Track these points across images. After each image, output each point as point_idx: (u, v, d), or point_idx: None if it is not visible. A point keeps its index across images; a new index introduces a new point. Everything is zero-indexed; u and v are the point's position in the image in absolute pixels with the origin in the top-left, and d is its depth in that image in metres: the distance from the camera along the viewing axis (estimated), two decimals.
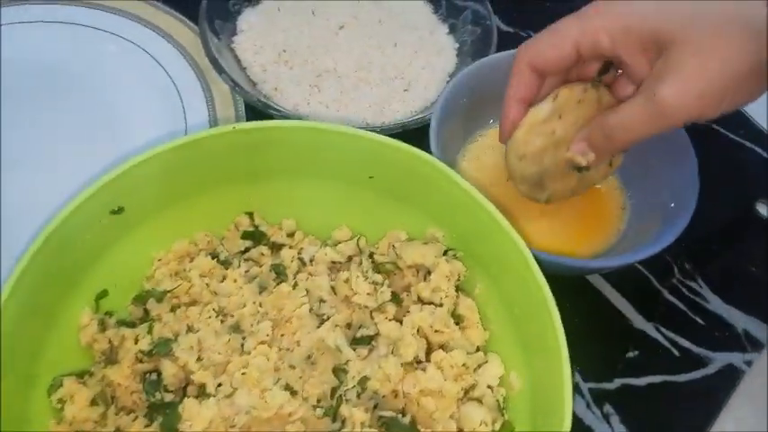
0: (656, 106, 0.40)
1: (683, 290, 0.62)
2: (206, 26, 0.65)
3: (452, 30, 0.73)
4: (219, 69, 0.62)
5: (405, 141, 0.67)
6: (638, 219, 0.59)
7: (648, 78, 0.42)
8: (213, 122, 0.64)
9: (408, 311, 0.48)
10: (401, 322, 0.47)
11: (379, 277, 0.50)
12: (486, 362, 0.47)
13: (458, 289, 0.50)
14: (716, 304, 0.62)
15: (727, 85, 0.39)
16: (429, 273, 0.49)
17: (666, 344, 0.59)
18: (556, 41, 0.45)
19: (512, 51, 0.60)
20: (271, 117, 0.61)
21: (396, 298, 0.49)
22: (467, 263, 0.50)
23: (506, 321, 0.47)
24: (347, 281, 0.50)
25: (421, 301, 0.49)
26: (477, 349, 0.48)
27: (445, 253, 0.50)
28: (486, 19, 0.69)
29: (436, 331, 0.47)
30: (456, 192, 0.47)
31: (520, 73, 0.47)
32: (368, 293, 0.49)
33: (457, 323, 0.48)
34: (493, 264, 0.47)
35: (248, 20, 0.70)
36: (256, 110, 0.62)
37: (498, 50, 0.67)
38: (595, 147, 0.47)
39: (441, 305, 0.48)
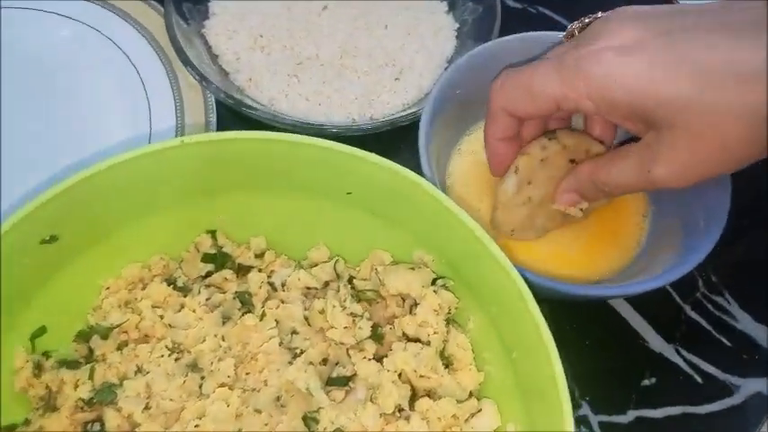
0: (649, 181, 0.39)
1: (708, 306, 0.55)
2: (172, 9, 0.58)
3: (452, 7, 0.65)
4: (185, 60, 0.55)
5: (395, 137, 0.61)
6: (660, 228, 0.51)
7: (641, 149, 0.39)
8: (180, 117, 0.57)
9: (391, 349, 0.41)
10: (383, 360, 0.41)
11: (358, 308, 0.43)
12: (480, 410, 0.41)
13: (449, 322, 0.43)
14: (745, 322, 0.55)
15: (724, 167, 0.38)
16: (416, 303, 0.43)
17: (687, 369, 0.53)
18: (533, 97, 0.41)
19: (519, 36, 0.53)
20: (242, 115, 0.54)
21: (376, 334, 0.43)
22: (459, 292, 0.43)
23: (504, 361, 0.41)
24: (322, 311, 0.43)
25: (406, 337, 0.43)
26: (470, 395, 0.42)
27: (434, 282, 0.43)
28: None
29: (421, 376, 0.40)
30: (441, 212, 0.40)
31: (495, 116, 0.44)
32: (345, 327, 0.43)
33: (447, 365, 0.42)
34: (486, 295, 0.41)
35: (221, 2, 0.62)
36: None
37: (504, 30, 0.60)
38: (587, 196, 0.45)
39: (428, 343, 0.42)
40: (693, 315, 0.55)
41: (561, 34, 0.51)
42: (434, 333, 0.42)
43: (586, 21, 0.44)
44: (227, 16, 0.61)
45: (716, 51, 0.35)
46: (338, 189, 0.44)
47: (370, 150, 0.63)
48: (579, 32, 0.44)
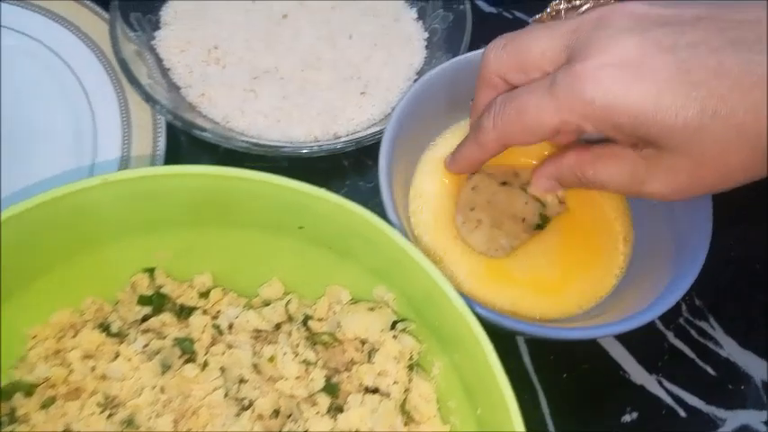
0: (639, 192, 0.37)
1: (692, 331, 0.52)
2: (118, 19, 0.54)
3: (421, 15, 0.61)
4: (130, 78, 0.51)
5: (363, 152, 0.58)
6: (645, 254, 0.48)
7: (636, 159, 0.37)
8: (127, 138, 0.53)
9: (347, 402, 0.38)
10: (338, 415, 0.38)
11: (312, 355, 0.40)
12: None
13: (412, 368, 0.40)
14: (730, 349, 0.52)
15: (721, 188, 0.36)
16: (375, 348, 0.39)
17: (670, 402, 0.49)
18: (530, 130, 0.37)
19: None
20: (192, 145, 0.50)
21: (330, 387, 0.39)
22: (422, 334, 0.39)
23: (469, 413, 0.37)
24: (273, 359, 0.40)
25: (364, 388, 0.39)
26: None
27: (394, 325, 0.39)
28: (460, 2, 0.57)
29: None
30: (395, 251, 0.36)
31: (484, 146, 0.41)
32: (297, 377, 0.39)
33: (408, 420, 0.38)
34: (449, 340, 0.37)
35: (174, 10, 0.58)
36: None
37: (477, 37, 0.56)
38: (566, 185, 0.42)
39: (388, 395, 0.38)
40: (676, 342, 0.52)
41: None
42: (395, 383, 0.38)
43: (578, 2, 0.40)
44: (180, 25, 0.57)
45: (726, 76, 0.32)
46: (288, 223, 0.40)
47: (336, 167, 0.61)
48: (566, 13, 0.40)
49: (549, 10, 0.42)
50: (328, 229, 0.39)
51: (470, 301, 0.38)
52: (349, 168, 0.59)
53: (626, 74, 0.33)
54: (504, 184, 0.48)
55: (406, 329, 0.39)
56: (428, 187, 0.49)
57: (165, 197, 0.38)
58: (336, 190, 0.59)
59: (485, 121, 0.40)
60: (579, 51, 0.36)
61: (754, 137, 0.32)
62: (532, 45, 0.38)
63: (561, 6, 0.42)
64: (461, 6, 0.57)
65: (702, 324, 0.52)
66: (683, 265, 0.43)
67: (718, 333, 0.52)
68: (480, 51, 0.49)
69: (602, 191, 0.41)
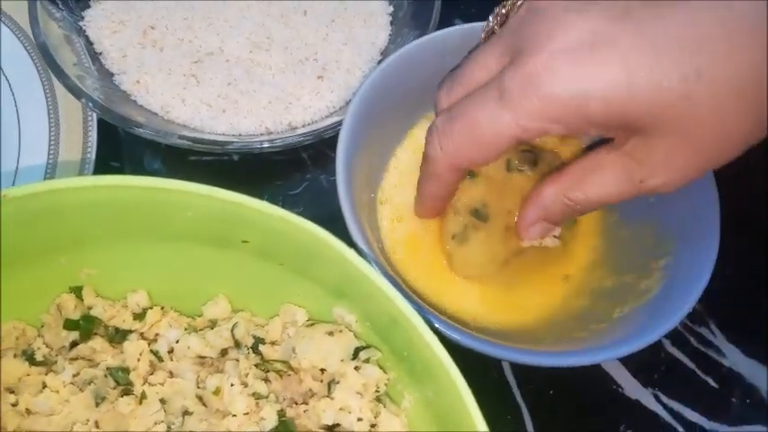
0: (641, 190, 0.33)
1: (691, 339, 0.47)
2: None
3: None
4: (54, 67, 0.44)
5: (323, 143, 0.52)
6: (625, 259, 0.42)
7: (623, 158, 0.32)
8: (54, 134, 0.47)
9: None
10: None
11: (263, 387, 0.34)
12: None
13: (380, 399, 0.34)
14: (733, 358, 0.47)
15: (725, 158, 0.31)
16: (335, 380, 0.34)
17: (668, 418, 0.45)
18: (487, 146, 0.32)
19: (460, 27, 0.43)
20: (131, 135, 0.44)
21: (284, 425, 0.33)
22: (389, 361, 0.34)
23: None
24: (218, 391, 0.34)
25: (325, 426, 0.33)
26: None
27: (357, 353, 0.34)
28: None
29: None
30: (353, 271, 0.31)
31: (441, 176, 0.36)
32: (246, 413, 0.33)
33: None
34: (418, 370, 0.32)
35: None
36: None
37: (445, 14, 0.50)
38: (559, 220, 0.38)
39: None
40: (674, 351, 0.47)
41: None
42: (359, 420, 0.33)
43: (503, 12, 0.35)
44: (112, 5, 0.50)
45: (698, 25, 0.27)
46: (230, 237, 0.34)
47: (295, 160, 0.55)
48: (500, 28, 0.35)
49: (490, 21, 0.36)
50: (276, 244, 0.33)
51: (444, 325, 0.33)
52: (308, 161, 0.54)
53: (582, 55, 0.29)
54: (515, 170, 0.42)
55: (371, 359, 0.33)
56: (399, 193, 0.44)
57: (86, 210, 0.32)
58: (296, 185, 0.53)
59: (430, 150, 0.35)
60: (522, 47, 0.31)
61: (751, 94, 0.28)
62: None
63: (492, 23, 0.36)
64: None
65: (702, 330, 0.47)
66: (688, 269, 0.38)
67: (720, 340, 0.47)
68: (455, 29, 0.43)
69: (599, 208, 0.36)
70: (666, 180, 0.32)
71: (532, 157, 0.42)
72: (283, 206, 0.51)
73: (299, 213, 0.51)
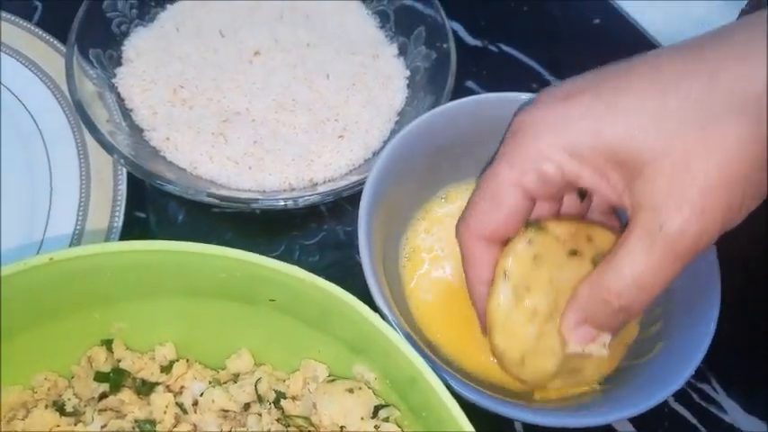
0: (667, 244, 0.30)
1: (693, 395, 0.49)
2: (75, 55, 0.49)
3: (403, 51, 0.57)
4: (87, 122, 0.47)
5: (339, 199, 0.54)
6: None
7: (638, 224, 0.31)
8: (85, 188, 0.49)
9: None
10: None
11: None
12: None
13: None
14: (734, 414, 0.48)
15: (733, 187, 0.29)
16: None
17: None
18: (493, 200, 0.34)
19: (475, 98, 0.46)
20: (156, 187, 0.46)
21: None
22: (406, 420, 0.36)
23: None
24: None
25: None
26: None
27: (377, 411, 0.35)
28: (443, 40, 0.54)
29: None
30: (374, 333, 0.33)
31: (471, 253, 0.37)
32: None
33: None
34: (434, 428, 0.33)
35: (137, 45, 0.54)
36: None
37: (460, 75, 0.53)
38: (605, 324, 0.34)
39: None
40: (677, 407, 0.48)
41: (523, 95, 0.44)
42: None
43: None
44: (143, 62, 0.53)
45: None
46: (259, 296, 0.36)
47: (313, 213, 0.57)
48: None
49: None
50: (302, 304, 0.35)
51: (460, 385, 0.34)
52: (326, 213, 0.56)
53: (570, 105, 0.32)
54: (573, 254, 0.36)
55: (390, 418, 0.35)
56: (422, 247, 0.46)
57: (119, 272, 0.34)
58: (312, 235, 0.55)
59: (457, 231, 0.37)
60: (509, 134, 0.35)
61: (747, 103, 0.29)
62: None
63: None
64: (445, 45, 0.53)
65: (704, 386, 0.49)
66: (692, 323, 0.39)
67: (721, 396, 0.49)
68: (459, 102, 0.45)
69: (647, 301, 0.32)
70: (683, 215, 0.30)
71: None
72: (300, 255, 0.55)
73: (314, 262, 0.54)
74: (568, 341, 0.34)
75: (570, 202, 0.38)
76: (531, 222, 0.36)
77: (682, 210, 0.29)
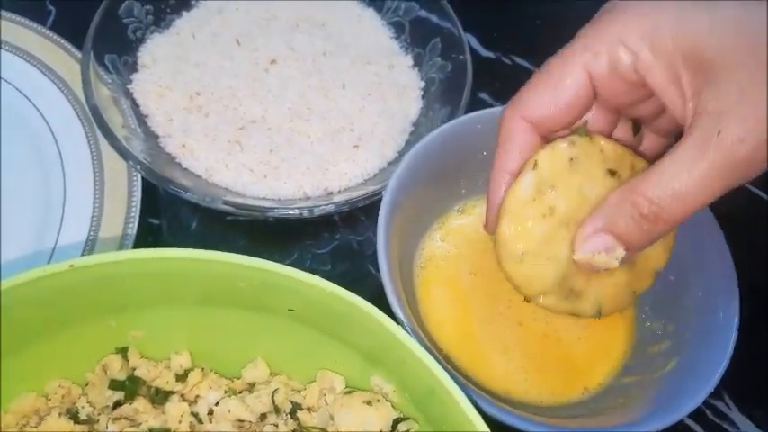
0: (720, 151, 0.27)
1: (707, 412, 0.49)
2: (91, 61, 0.49)
3: (418, 62, 0.57)
4: (103, 127, 0.46)
5: (356, 214, 0.54)
6: (651, 334, 0.44)
7: (697, 120, 0.28)
8: (99, 195, 0.49)
9: None
10: None
11: None
12: None
13: None
14: (746, 430, 0.48)
15: None
16: None
17: None
18: (556, 77, 0.32)
19: (493, 110, 0.46)
20: (170, 193, 0.46)
21: None
22: None
23: None
24: None
25: None
26: None
27: (395, 425, 0.35)
28: (460, 52, 0.54)
29: None
30: (397, 346, 0.32)
31: (508, 135, 0.34)
32: None
33: None
34: None
35: (152, 52, 0.54)
36: None
37: (475, 86, 0.52)
38: (629, 235, 0.31)
39: None
40: (689, 422, 0.48)
41: None
42: None
43: None
44: (159, 70, 0.53)
45: None
46: (277, 305, 0.36)
47: (327, 222, 0.56)
48: None
49: None
50: (320, 313, 0.35)
51: (481, 401, 0.34)
52: (339, 222, 0.56)
53: (660, 4, 0.30)
54: (612, 174, 0.34)
55: (409, 431, 0.35)
56: (438, 257, 0.45)
57: (138, 279, 0.34)
58: (325, 244, 0.55)
59: (502, 114, 0.34)
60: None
61: None
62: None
63: None
64: (461, 57, 0.54)
65: (718, 403, 0.49)
66: (708, 341, 0.39)
67: (734, 413, 0.49)
68: (475, 115, 0.45)
69: (681, 217, 0.29)
70: (746, 125, 0.27)
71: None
72: (311, 264, 0.54)
73: (326, 271, 0.54)
74: (581, 247, 0.32)
75: (622, 134, 0.36)
76: (579, 128, 0.34)
77: (746, 120, 0.27)
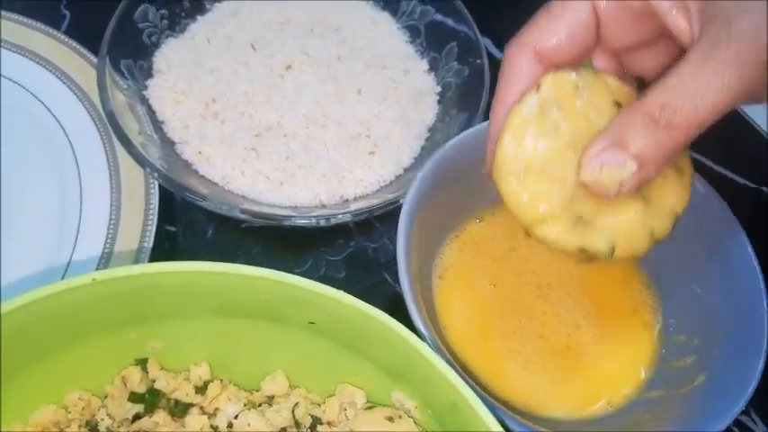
0: (734, 43, 0.26)
1: (734, 429, 0.48)
2: (106, 67, 0.49)
3: (433, 66, 0.57)
4: (119, 134, 0.46)
5: (371, 221, 0.54)
6: (675, 346, 0.44)
7: (703, 28, 0.27)
8: (116, 204, 0.49)
9: None
10: None
11: None
12: None
13: None
14: None
15: None
16: None
17: None
18: (559, 6, 0.30)
19: None
20: (186, 200, 0.45)
21: None
22: None
23: None
24: None
25: None
26: None
27: None
28: (477, 56, 0.53)
29: None
30: (416, 359, 0.32)
31: (510, 66, 0.32)
32: None
33: None
34: None
35: (167, 57, 0.53)
36: None
37: (491, 87, 0.52)
38: (640, 146, 0.28)
39: None
40: None
41: None
42: None
43: None
44: (174, 74, 0.52)
45: None
46: (298, 318, 0.36)
47: (342, 228, 0.56)
48: None
49: None
50: (341, 327, 0.35)
51: (506, 417, 0.34)
52: (354, 230, 0.55)
53: None
54: (618, 105, 0.31)
55: None
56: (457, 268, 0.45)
57: (159, 291, 0.34)
58: (340, 251, 0.55)
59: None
60: None
61: None
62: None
63: None
64: (478, 61, 0.53)
65: (743, 418, 0.48)
66: (737, 356, 0.39)
67: (760, 429, 0.48)
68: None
69: (696, 124, 0.27)
70: (760, 18, 0.26)
71: None
72: (326, 271, 0.54)
73: (341, 279, 0.53)
74: (587, 164, 0.29)
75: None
76: (585, 62, 0.32)
77: (760, 15, 0.26)
